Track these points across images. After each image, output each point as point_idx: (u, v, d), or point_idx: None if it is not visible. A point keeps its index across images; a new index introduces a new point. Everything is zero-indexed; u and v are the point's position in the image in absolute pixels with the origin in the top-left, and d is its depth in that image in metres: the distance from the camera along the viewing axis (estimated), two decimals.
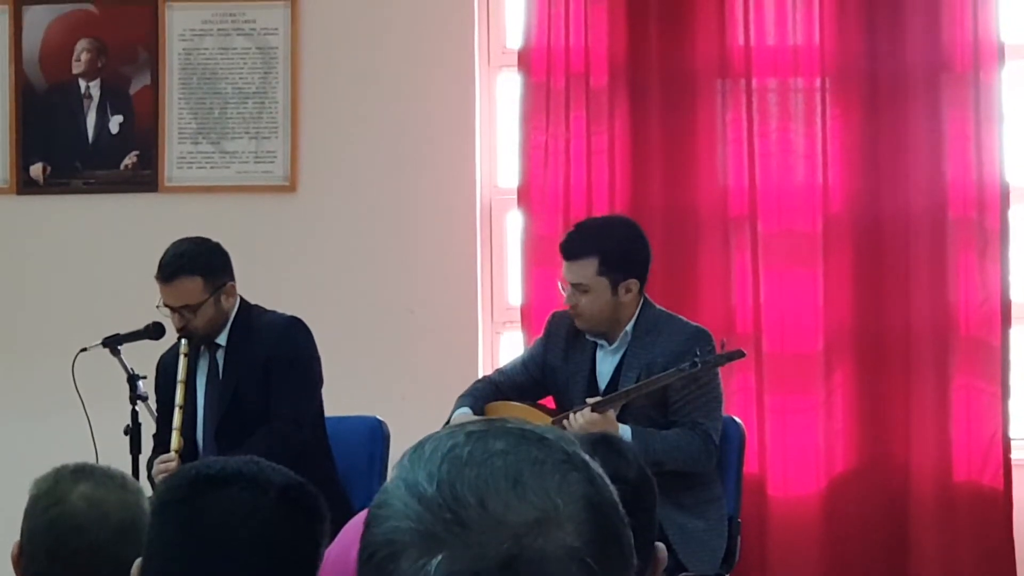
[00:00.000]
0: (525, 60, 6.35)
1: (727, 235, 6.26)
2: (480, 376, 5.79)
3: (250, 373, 5.23)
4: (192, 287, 5.16)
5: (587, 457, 1.26)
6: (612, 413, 5.00)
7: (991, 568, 6.08)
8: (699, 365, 5.00)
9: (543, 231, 6.25)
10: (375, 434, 5.55)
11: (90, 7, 6.57)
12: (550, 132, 6.31)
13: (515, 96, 6.39)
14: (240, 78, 6.51)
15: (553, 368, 5.29)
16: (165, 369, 5.35)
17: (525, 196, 6.34)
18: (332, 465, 5.31)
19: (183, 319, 5.18)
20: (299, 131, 6.48)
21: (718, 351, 5.10)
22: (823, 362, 6.20)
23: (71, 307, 6.48)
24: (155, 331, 5.31)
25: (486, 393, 5.33)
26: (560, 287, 5.20)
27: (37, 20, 6.58)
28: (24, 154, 6.58)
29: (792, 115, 6.27)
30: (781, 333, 6.23)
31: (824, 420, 6.20)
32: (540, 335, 5.46)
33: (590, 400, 5.03)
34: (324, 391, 5.36)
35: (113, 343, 5.26)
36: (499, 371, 5.52)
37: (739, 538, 5.24)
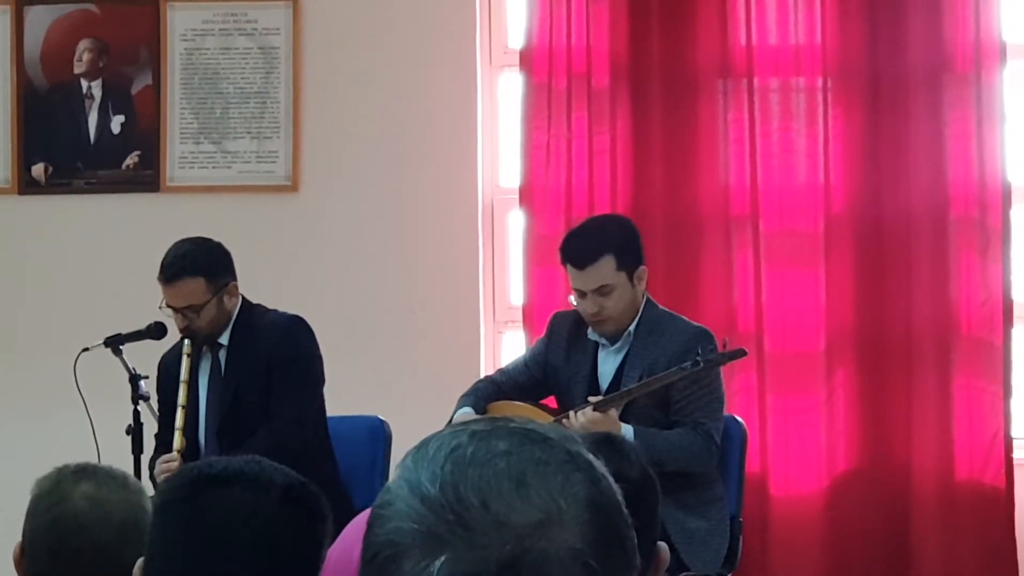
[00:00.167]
0: (527, 60, 6.35)
1: (729, 235, 6.26)
2: (482, 376, 5.79)
3: (252, 372, 5.23)
4: (195, 288, 5.17)
5: (591, 457, 1.26)
6: (614, 412, 5.00)
7: (993, 567, 6.08)
8: (701, 365, 5.00)
9: (545, 231, 6.25)
10: (377, 434, 5.55)
11: (91, 7, 6.57)
12: (552, 132, 6.31)
13: (517, 96, 6.39)
14: (242, 78, 6.51)
15: (555, 368, 5.29)
16: (167, 369, 5.35)
17: (527, 196, 6.34)
18: (334, 465, 5.31)
19: (186, 319, 5.19)
20: (301, 131, 6.48)
21: (720, 351, 5.10)
22: (825, 361, 6.20)
23: (73, 307, 6.48)
24: (157, 331, 5.31)
25: (488, 393, 5.33)
26: (573, 301, 5.17)
27: (38, 20, 6.58)
28: (26, 154, 6.58)
29: (794, 115, 6.27)
30: (783, 332, 6.23)
31: (826, 419, 6.20)
32: (542, 335, 5.46)
33: (592, 399, 5.03)
34: (326, 390, 5.36)
35: (115, 343, 5.27)
36: (501, 371, 5.52)
37: (741, 538, 5.25)
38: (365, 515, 1.31)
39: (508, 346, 6.48)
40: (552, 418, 5.07)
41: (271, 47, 6.50)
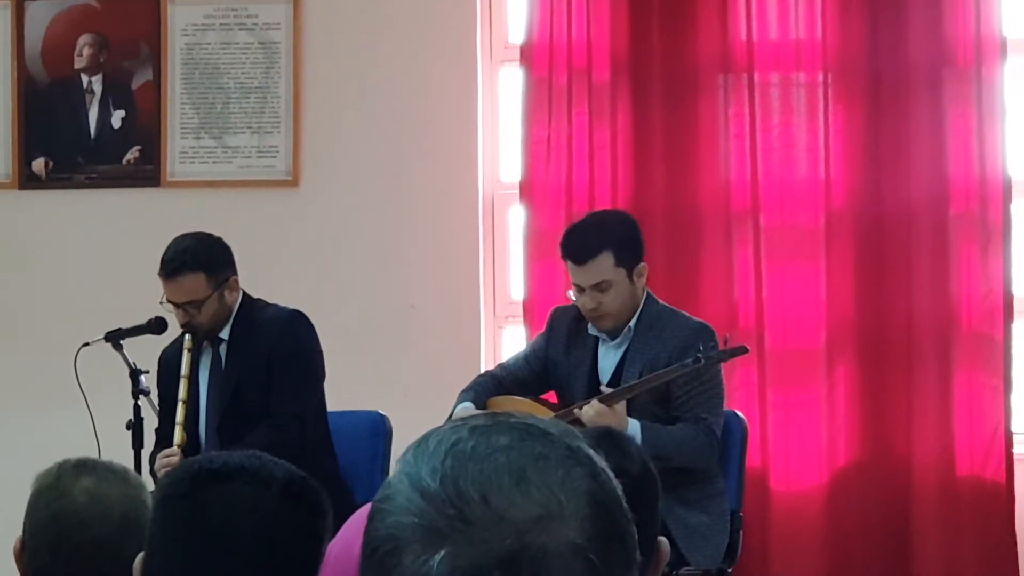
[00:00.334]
0: (527, 55, 6.35)
1: (729, 230, 6.26)
2: (482, 371, 5.79)
3: (252, 367, 5.23)
4: (196, 283, 5.17)
5: (591, 452, 1.26)
6: (621, 406, 5.00)
7: (993, 562, 6.09)
8: (703, 361, 5.00)
9: (545, 226, 6.25)
10: (377, 429, 5.55)
11: (92, 2, 6.56)
12: (552, 127, 6.31)
13: (517, 91, 6.39)
14: (242, 73, 6.51)
15: (555, 363, 5.29)
16: (167, 363, 5.35)
17: (527, 191, 6.34)
18: (334, 460, 5.31)
19: (187, 315, 5.19)
20: (301, 126, 6.48)
21: (721, 347, 5.10)
22: (825, 357, 6.20)
23: (73, 302, 6.48)
24: (157, 326, 5.31)
25: (488, 388, 5.34)
26: (572, 296, 5.17)
27: (39, 15, 6.58)
28: (26, 149, 6.58)
29: (794, 110, 6.27)
30: (783, 328, 6.23)
31: (826, 414, 6.20)
32: (542, 330, 5.46)
33: (602, 391, 5.04)
34: (326, 385, 5.36)
35: (115, 338, 5.27)
36: (501, 366, 5.52)
37: (741, 532, 5.25)
38: (366, 509, 1.31)
39: (508, 341, 6.48)
40: (552, 413, 5.07)
41: (271, 42, 6.50)
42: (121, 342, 5.26)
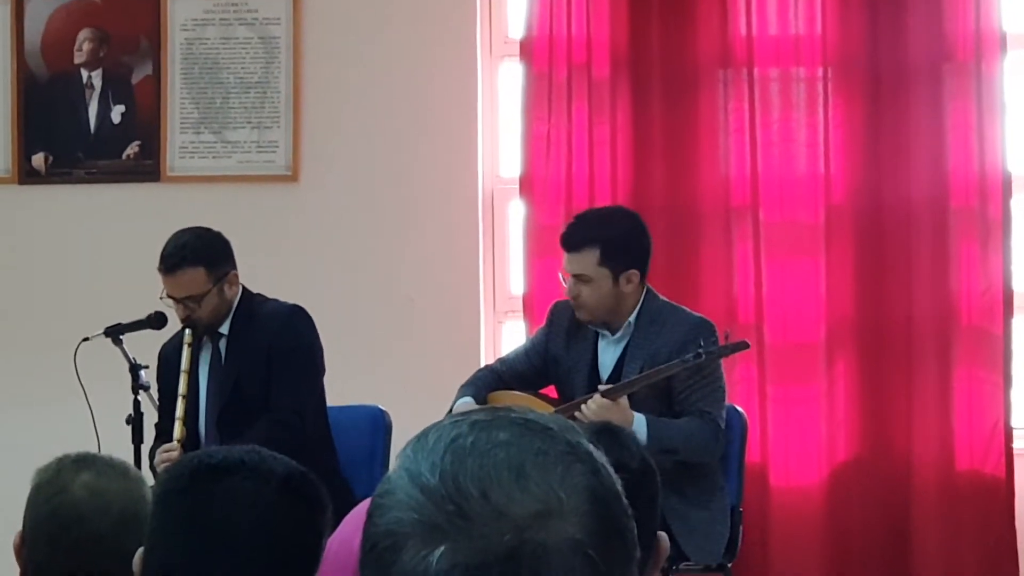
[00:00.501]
0: (527, 50, 6.35)
1: (729, 225, 6.26)
2: (482, 365, 5.79)
3: (252, 362, 5.23)
4: (195, 278, 5.17)
5: (591, 448, 1.26)
6: (624, 400, 5.00)
7: (993, 557, 6.09)
8: (703, 356, 5.00)
9: (545, 221, 6.25)
10: (377, 423, 5.55)
11: None
12: (552, 122, 6.31)
13: (517, 86, 6.39)
14: (242, 68, 6.51)
15: (555, 357, 5.30)
16: (167, 358, 5.35)
17: (527, 186, 6.34)
18: (334, 455, 5.31)
19: (187, 309, 5.19)
20: (301, 121, 6.48)
21: (721, 342, 5.10)
22: (825, 352, 6.20)
23: (73, 297, 6.48)
24: (157, 321, 5.31)
25: (488, 382, 5.34)
26: (561, 278, 5.20)
27: (39, 10, 6.58)
28: (26, 144, 6.57)
29: (794, 105, 6.27)
30: (783, 323, 6.23)
31: (826, 410, 6.20)
32: (542, 324, 5.46)
33: (601, 388, 5.04)
34: (326, 380, 5.36)
35: (115, 332, 5.26)
36: (501, 360, 5.52)
37: (741, 527, 5.25)
38: (365, 505, 1.31)
39: (508, 336, 6.48)
40: (552, 408, 5.07)
41: (271, 37, 6.50)
42: (121, 337, 5.26)
